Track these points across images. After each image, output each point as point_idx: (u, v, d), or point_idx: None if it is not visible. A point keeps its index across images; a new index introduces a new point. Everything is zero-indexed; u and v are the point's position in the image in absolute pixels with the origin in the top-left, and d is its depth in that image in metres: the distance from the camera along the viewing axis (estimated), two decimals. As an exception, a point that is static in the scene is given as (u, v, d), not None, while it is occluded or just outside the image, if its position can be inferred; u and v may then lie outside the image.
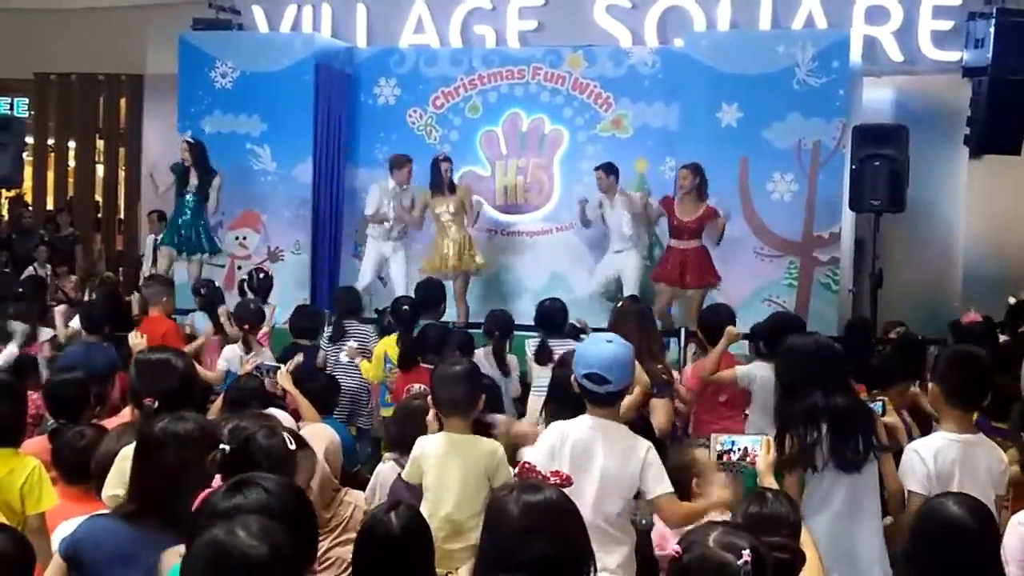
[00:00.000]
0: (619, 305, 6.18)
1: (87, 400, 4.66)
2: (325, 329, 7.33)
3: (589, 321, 7.63)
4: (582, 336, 6.47)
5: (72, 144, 14.18)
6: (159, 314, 6.87)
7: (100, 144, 14.13)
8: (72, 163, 14.21)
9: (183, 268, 9.93)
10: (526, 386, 6.45)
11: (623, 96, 10.16)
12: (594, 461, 3.53)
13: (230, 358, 6.44)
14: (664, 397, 5.35)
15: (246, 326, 6.63)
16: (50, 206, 14.01)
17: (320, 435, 4.31)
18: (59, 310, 7.68)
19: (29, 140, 13.04)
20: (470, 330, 7.07)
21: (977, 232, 10.45)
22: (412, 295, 7.30)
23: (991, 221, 10.38)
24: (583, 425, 3.65)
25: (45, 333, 7.27)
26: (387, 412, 6.10)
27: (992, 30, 8.90)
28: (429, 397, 4.24)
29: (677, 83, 9.81)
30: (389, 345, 6.54)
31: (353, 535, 3.97)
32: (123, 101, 13.64)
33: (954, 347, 4.96)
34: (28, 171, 13.18)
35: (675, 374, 5.87)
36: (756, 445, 3.74)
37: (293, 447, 2.95)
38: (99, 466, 3.54)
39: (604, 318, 7.26)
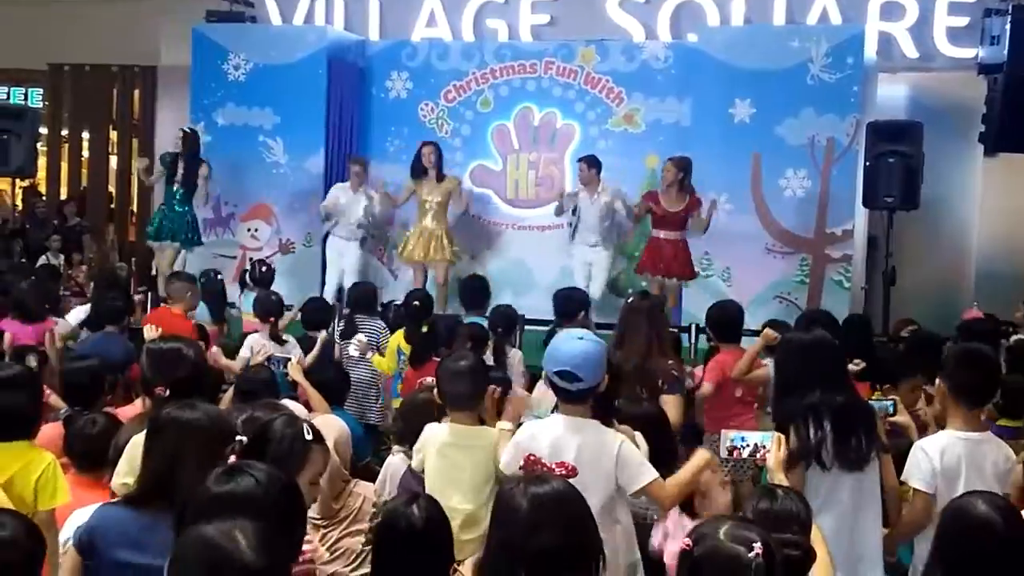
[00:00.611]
0: (629, 300, 6.17)
1: (101, 388, 4.68)
2: (337, 324, 7.34)
3: (593, 317, 7.61)
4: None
5: (86, 135, 14.20)
6: (179, 312, 6.84)
7: (113, 135, 14.15)
8: (86, 154, 14.24)
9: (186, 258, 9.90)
10: (534, 378, 6.44)
11: (636, 91, 10.14)
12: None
13: (253, 347, 6.43)
14: (675, 393, 5.33)
15: (271, 319, 6.63)
16: (64, 196, 14.05)
17: (330, 426, 4.31)
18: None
19: (43, 131, 13.08)
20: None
21: (991, 230, 10.41)
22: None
23: (1006, 219, 10.32)
24: (555, 424, 3.61)
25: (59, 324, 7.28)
26: (397, 402, 6.12)
27: (1008, 27, 8.84)
28: (435, 391, 4.24)
29: (690, 78, 9.79)
30: (401, 338, 6.55)
31: (362, 526, 4.00)
32: (136, 92, 13.66)
33: (962, 345, 4.94)
34: (42, 161, 13.23)
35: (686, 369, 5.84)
36: (767, 442, 3.72)
37: (310, 438, 2.96)
38: (116, 455, 3.57)
39: (608, 314, 7.25)
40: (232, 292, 8.61)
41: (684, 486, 3.60)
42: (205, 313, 7.47)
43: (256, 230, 10.63)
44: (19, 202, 12.39)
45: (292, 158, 10.47)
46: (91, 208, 13.68)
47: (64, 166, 14.31)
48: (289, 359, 6.05)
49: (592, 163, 9.21)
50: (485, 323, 6.56)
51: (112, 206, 14.36)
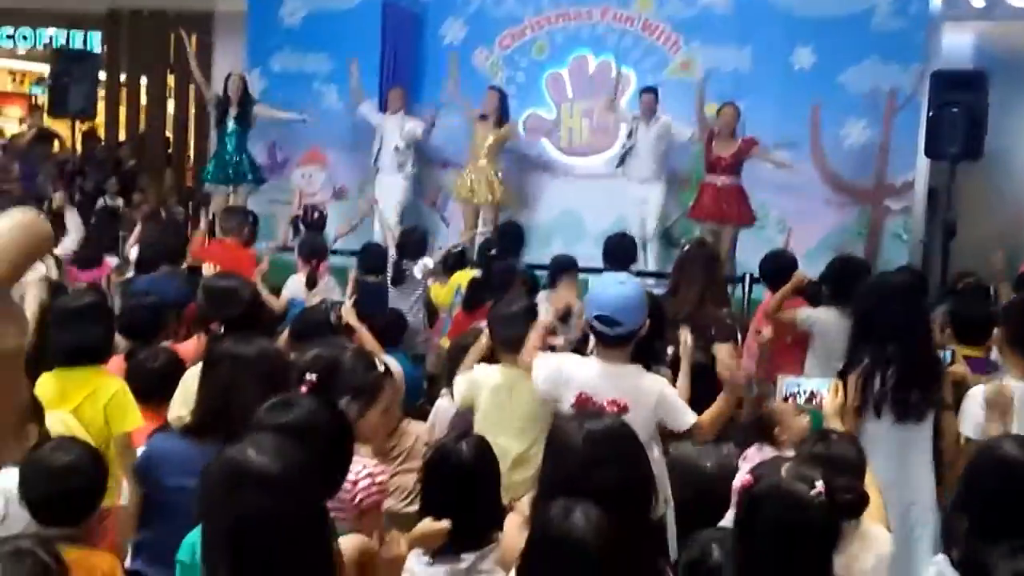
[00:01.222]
0: (685, 248, 6.13)
1: (161, 325, 4.75)
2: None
3: (650, 257, 7.57)
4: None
5: (143, 80, 14.32)
6: (232, 242, 6.96)
7: (171, 80, 14.25)
8: (143, 99, 14.36)
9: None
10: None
11: (693, 38, 9.97)
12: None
13: (293, 288, 6.49)
14: (728, 342, 5.31)
15: (313, 260, 6.69)
16: (122, 140, 14.23)
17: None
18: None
19: (101, 76, 13.20)
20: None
21: (1055, 183, 10.17)
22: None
23: (1071, 172, 10.08)
24: (590, 369, 3.59)
25: (115, 262, 7.40)
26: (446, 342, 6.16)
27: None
28: (483, 335, 4.25)
29: (750, 25, 9.61)
30: (465, 277, 6.58)
31: (415, 464, 4.04)
32: (194, 38, 13.72)
33: (1020, 295, 4.88)
34: (100, 106, 13.37)
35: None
36: (823, 388, 3.70)
37: (381, 369, 3.01)
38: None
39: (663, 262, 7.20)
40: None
41: (722, 416, 3.62)
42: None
43: (310, 176, 10.69)
44: (79, 146, 12.54)
45: (346, 104, 10.48)
46: (149, 153, 13.84)
47: (122, 111, 14.46)
48: (342, 302, 6.09)
49: (655, 95, 9.16)
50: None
51: (169, 151, 14.50)
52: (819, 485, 2.14)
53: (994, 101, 8.84)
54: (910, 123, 9.10)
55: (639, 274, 6.94)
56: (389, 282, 7.18)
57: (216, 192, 9.99)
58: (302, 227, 8.29)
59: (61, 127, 12.69)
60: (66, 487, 2.76)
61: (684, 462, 3.70)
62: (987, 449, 2.83)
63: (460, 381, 4.13)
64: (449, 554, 2.96)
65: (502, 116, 9.64)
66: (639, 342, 3.63)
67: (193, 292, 5.19)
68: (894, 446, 3.86)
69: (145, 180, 12.41)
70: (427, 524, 2.94)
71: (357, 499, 2.82)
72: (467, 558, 2.96)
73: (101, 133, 14.51)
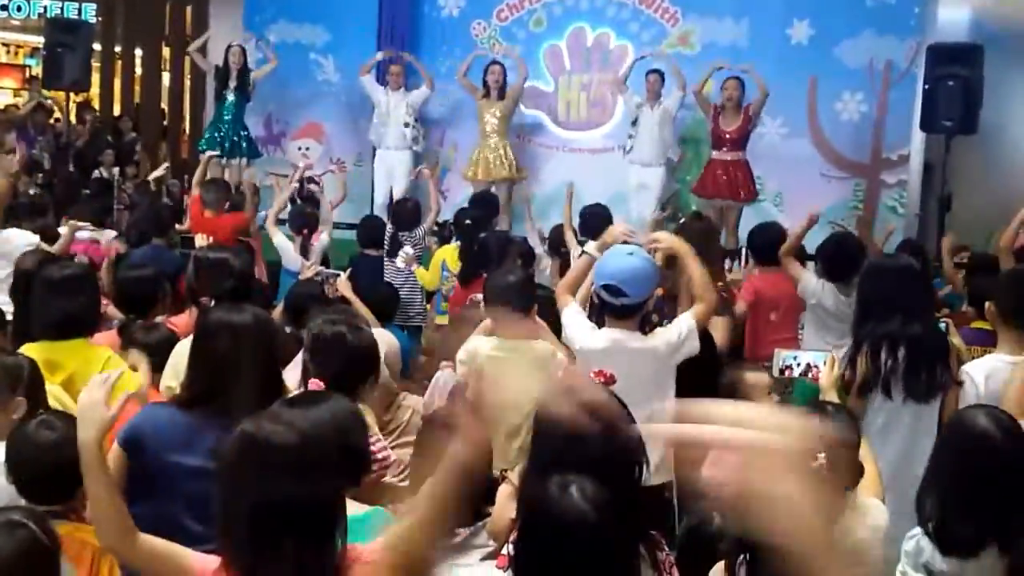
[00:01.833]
0: (682, 222, 6.13)
1: (156, 297, 4.74)
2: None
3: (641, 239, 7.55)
4: None
5: (139, 51, 14.25)
6: (211, 214, 7.00)
7: (166, 52, 14.18)
8: (139, 70, 14.30)
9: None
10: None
11: (691, 11, 9.92)
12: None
13: (286, 259, 6.50)
14: (724, 316, 5.31)
15: (304, 231, 6.70)
16: (117, 112, 14.16)
17: (380, 340, 4.35)
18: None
19: (96, 47, 13.13)
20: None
21: (1050, 157, 10.14)
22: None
23: (1066, 146, 10.06)
24: (599, 340, 3.62)
25: (109, 234, 7.37)
26: (442, 320, 6.15)
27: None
28: (482, 306, 4.26)
29: (748, -2, 9.58)
30: (448, 253, 6.57)
31: (410, 438, 4.05)
32: (189, 9, 13.65)
33: (1012, 268, 4.89)
34: (95, 77, 13.29)
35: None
36: (819, 361, 3.71)
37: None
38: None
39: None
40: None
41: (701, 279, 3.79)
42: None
43: (307, 148, 10.65)
44: (72, 117, 12.48)
45: (343, 76, 10.44)
46: (144, 125, 13.79)
47: (117, 82, 14.40)
48: (338, 274, 6.10)
49: (662, 76, 9.13)
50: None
51: (165, 123, 14.45)
52: (821, 457, 2.15)
53: (990, 75, 8.82)
54: (906, 96, 9.09)
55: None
56: (385, 255, 7.19)
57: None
58: (299, 199, 8.29)
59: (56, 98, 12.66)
60: (53, 464, 2.68)
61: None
62: (959, 420, 2.85)
63: (460, 353, 4.15)
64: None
65: (504, 88, 9.60)
66: (645, 315, 3.67)
67: (185, 263, 5.20)
68: (904, 424, 3.88)
69: (141, 153, 12.38)
70: None
71: None
72: (461, 533, 2.98)
73: (96, 104, 14.45)
